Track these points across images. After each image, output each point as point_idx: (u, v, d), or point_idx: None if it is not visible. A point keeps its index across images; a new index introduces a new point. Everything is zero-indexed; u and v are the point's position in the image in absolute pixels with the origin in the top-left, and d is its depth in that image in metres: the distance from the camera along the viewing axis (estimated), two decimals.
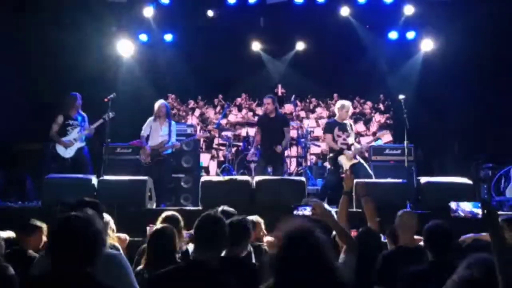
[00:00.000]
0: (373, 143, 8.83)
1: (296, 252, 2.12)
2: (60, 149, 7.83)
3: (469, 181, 7.10)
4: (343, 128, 7.88)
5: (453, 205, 2.92)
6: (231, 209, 4.29)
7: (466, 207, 2.85)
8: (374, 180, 7.54)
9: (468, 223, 4.30)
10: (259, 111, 11.48)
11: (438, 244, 3.37)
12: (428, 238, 3.43)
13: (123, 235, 4.82)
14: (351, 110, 8.38)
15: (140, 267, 3.65)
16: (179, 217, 4.31)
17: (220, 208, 4.25)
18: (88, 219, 2.31)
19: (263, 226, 4.55)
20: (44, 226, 4.44)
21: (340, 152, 7.73)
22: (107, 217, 3.89)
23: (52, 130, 7.86)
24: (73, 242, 2.24)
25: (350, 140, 7.86)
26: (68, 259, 2.22)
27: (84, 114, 8.02)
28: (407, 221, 3.92)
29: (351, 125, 8.10)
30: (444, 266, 3.04)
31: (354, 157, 7.73)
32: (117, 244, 4.19)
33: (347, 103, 8.15)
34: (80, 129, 7.88)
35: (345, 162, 7.64)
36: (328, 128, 8.02)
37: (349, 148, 7.78)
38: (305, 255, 2.10)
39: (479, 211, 2.77)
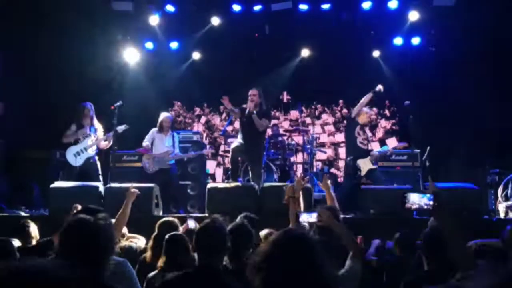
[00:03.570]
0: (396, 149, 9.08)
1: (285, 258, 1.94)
2: (70, 157, 7.85)
3: (476, 187, 7.12)
4: (363, 130, 7.99)
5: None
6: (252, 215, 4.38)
7: (415, 198, 2.80)
8: (379, 186, 7.54)
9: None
10: None
11: (438, 251, 3.11)
12: (427, 245, 3.26)
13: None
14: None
15: (153, 273, 3.65)
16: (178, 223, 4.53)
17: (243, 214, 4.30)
18: (98, 222, 2.32)
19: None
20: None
21: (359, 155, 7.81)
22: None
23: (65, 138, 7.87)
24: (85, 244, 2.23)
25: (366, 143, 7.98)
26: (80, 262, 2.22)
27: (97, 127, 7.99)
28: None
29: (369, 130, 8.33)
30: (442, 275, 2.72)
31: (374, 162, 7.84)
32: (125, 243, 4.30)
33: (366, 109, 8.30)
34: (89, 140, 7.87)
35: (363, 166, 7.71)
36: (352, 123, 8.14)
37: (367, 152, 7.86)
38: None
39: (430, 202, 2.73)
